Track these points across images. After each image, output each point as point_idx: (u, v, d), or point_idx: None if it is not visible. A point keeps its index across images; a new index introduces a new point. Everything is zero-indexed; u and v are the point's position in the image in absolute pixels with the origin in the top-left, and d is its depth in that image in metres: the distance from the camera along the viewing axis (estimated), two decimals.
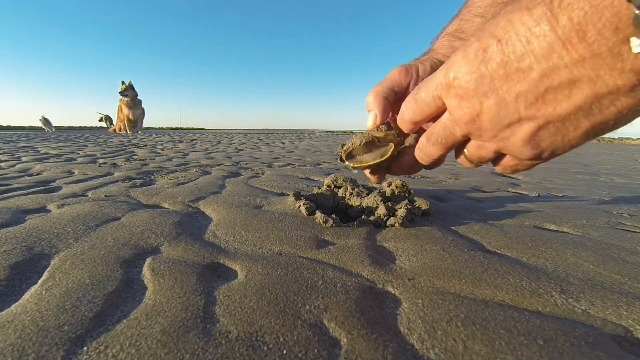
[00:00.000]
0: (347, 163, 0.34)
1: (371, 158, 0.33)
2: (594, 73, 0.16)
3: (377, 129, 0.32)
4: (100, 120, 9.05)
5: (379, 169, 0.35)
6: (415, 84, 0.37)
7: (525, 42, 0.17)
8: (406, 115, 0.26)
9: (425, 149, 0.26)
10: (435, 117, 0.25)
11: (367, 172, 0.35)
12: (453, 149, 0.26)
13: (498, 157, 0.24)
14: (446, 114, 0.23)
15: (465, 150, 0.25)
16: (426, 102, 0.24)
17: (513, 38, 0.18)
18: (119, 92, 7.51)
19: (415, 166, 0.31)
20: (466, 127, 0.22)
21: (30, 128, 10.83)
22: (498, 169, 0.25)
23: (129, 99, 7.47)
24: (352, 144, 0.34)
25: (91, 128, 12.38)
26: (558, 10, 0.16)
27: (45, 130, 7.70)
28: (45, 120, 7.69)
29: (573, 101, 0.17)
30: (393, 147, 0.32)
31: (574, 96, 0.17)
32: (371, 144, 0.34)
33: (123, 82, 7.54)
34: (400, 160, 0.33)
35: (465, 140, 0.24)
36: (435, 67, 0.36)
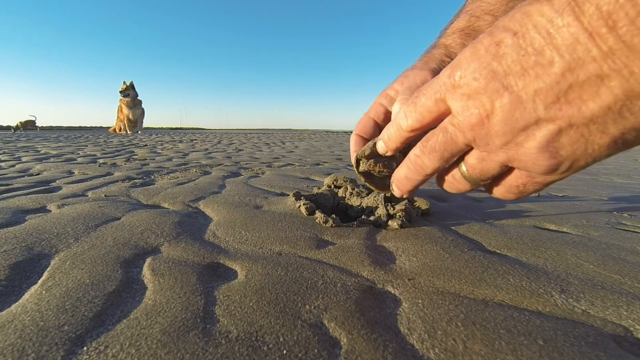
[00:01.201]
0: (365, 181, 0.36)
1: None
2: (627, 69, 0.14)
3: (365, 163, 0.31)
4: (16, 128, 7.81)
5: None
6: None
7: (545, 34, 0.15)
8: (403, 123, 0.23)
9: (417, 161, 0.23)
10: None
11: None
12: (448, 163, 0.22)
13: (503, 173, 0.21)
14: (448, 118, 0.20)
15: (462, 164, 0.22)
16: (427, 106, 0.21)
17: (531, 31, 0.16)
18: (120, 92, 7.51)
19: (393, 184, 0.27)
20: (472, 132, 0.19)
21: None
22: (499, 192, 0.22)
23: (129, 99, 7.48)
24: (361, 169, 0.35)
25: (91, 128, 12.38)
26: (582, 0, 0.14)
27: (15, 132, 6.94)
28: (27, 123, 7.30)
29: (601, 101, 0.15)
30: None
31: (602, 95, 0.15)
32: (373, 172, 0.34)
33: (125, 83, 7.55)
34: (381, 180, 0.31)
35: (465, 152, 0.21)
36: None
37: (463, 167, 0.22)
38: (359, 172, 0.32)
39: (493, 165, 0.20)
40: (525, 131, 0.17)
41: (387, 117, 0.36)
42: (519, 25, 0.16)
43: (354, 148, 0.35)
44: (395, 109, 0.28)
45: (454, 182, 0.23)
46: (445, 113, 0.20)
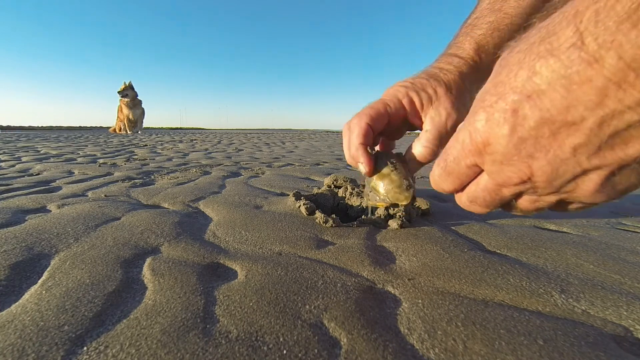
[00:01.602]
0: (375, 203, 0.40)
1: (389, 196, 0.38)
2: None
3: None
4: None
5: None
6: (413, 108, 0.37)
7: (565, 93, 0.14)
8: (444, 187, 0.24)
9: (465, 207, 0.24)
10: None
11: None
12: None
13: (559, 202, 0.21)
14: (486, 179, 0.20)
15: (515, 203, 0.21)
16: (458, 171, 0.21)
17: (547, 90, 0.15)
18: (118, 92, 7.51)
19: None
20: (516, 188, 0.19)
21: (30, 128, 10.83)
22: (556, 209, 0.22)
23: (128, 99, 7.48)
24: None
25: (91, 128, 12.38)
26: (598, 52, 0.13)
27: None
28: None
29: None
30: (387, 204, 0.38)
31: None
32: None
33: (125, 83, 7.55)
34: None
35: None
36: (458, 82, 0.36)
37: (516, 204, 0.21)
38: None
39: (547, 204, 0.20)
40: (574, 181, 0.17)
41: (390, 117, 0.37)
42: (529, 85, 0.15)
43: (364, 159, 0.37)
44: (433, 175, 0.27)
45: (515, 211, 0.23)
46: (481, 170, 0.20)
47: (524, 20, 0.36)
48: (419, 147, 0.37)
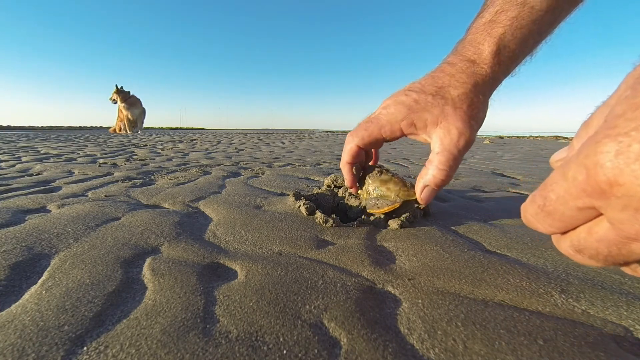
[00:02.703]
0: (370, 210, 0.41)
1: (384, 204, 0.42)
2: None
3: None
4: None
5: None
6: (413, 130, 0.35)
7: None
8: (538, 227, 0.19)
9: (566, 253, 0.19)
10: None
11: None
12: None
13: None
14: (607, 228, 0.16)
15: None
16: (563, 213, 0.17)
17: None
18: (109, 99, 7.56)
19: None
20: None
21: (31, 128, 10.84)
22: None
23: (120, 103, 7.50)
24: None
25: (91, 128, 12.38)
26: None
27: None
28: None
29: None
30: (399, 203, 0.38)
31: None
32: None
33: (116, 86, 7.56)
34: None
35: None
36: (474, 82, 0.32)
37: None
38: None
39: None
40: None
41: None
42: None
43: (346, 176, 0.41)
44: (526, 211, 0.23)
45: (625, 266, 0.18)
46: (595, 215, 0.16)
47: (549, 15, 0.32)
48: (434, 170, 0.34)
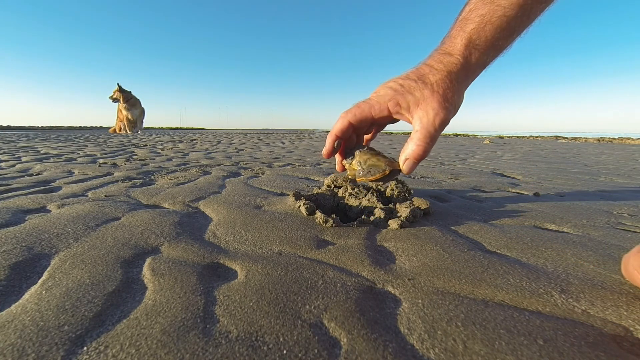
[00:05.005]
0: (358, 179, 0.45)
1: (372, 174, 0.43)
2: None
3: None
4: None
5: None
6: (399, 110, 0.40)
7: None
8: None
9: None
10: None
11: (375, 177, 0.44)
12: None
13: None
14: None
15: None
16: None
17: None
18: (109, 97, 7.55)
19: None
20: None
21: (31, 128, 10.83)
22: None
23: (121, 102, 7.49)
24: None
25: (91, 128, 12.38)
26: None
27: None
28: None
29: None
30: (389, 170, 0.42)
31: None
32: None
33: (118, 85, 7.56)
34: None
35: None
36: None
37: None
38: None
39: None
40: None
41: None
42: None
43: (327, 144, 0.44)
44: None
45: None
46: None
47: (517, 11, 0.36)
48: (412, 145, 0.39)
